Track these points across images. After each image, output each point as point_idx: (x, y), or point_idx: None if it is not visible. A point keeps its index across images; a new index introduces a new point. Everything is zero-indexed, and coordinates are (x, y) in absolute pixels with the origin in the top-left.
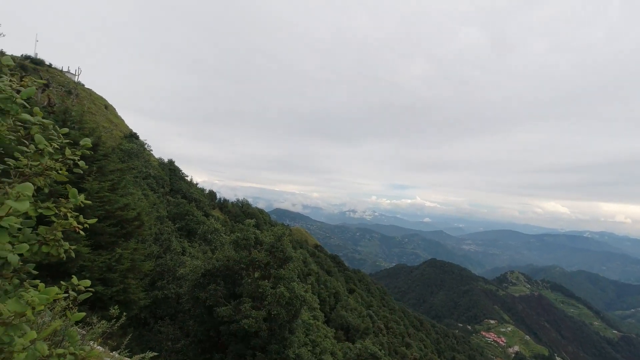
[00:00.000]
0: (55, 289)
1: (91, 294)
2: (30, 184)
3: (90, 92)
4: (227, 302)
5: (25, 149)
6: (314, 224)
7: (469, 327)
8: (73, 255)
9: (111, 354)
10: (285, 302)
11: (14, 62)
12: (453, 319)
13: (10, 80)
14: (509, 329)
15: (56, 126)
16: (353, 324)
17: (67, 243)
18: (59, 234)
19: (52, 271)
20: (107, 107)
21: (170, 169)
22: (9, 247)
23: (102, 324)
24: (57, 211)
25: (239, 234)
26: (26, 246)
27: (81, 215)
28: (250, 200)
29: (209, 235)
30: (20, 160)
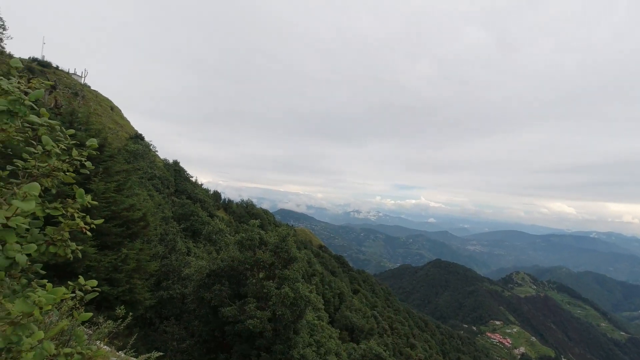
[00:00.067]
0: (63, 289)
1: (98, 294)
2: (37, 184)
3: (96, 94)
4: (232, 302)
5: (33, 150)
6: (318, 225)
7: (474, 328)
8: (80, 255)
9: (117, 353)
10: (290, 303)
11: (22, 64)
12: (458, 320)
13: (19, 82)
14: (515, 330)
15: (63, 127)
16: (357, 325)
17: (74, 243)
18: (66, 235)
19: (59, 271)
20: (113, 108)
21: (175, 170)
22: (18, 247)
23: (109, 324)
24: (64, 212)
25: (243, 235)
26: (34, 246)
27: (88, 216)
28: (254, 201)
29: (214, 236)
30: (28, 161)
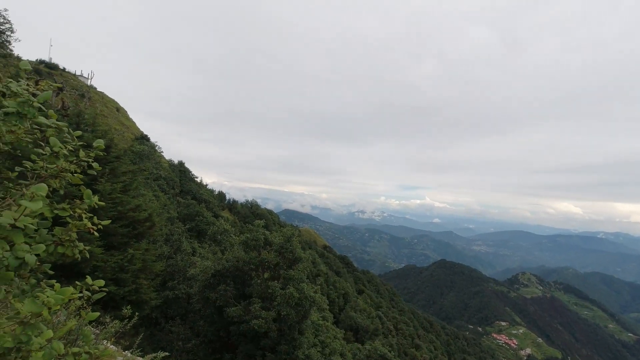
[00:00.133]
0: (71, 289)
1: (105, 294)
2: (45, 185)
3: (102, 95)
4: (237, 302)
5: (41, 151)
6: (322, 225)
7: (480, 329)
8: (87, 255)
9: (124, 353)
10: (295, 303)
11: (30, 67)
12: (463, 321)
13: (27, 85)
14: (521, 331)
15: (70, 129)
16: (362, 325)
17: (81, 244)
18: (74, 235)
19: (66, 271)
20: (119, 109)
21: (181, 171)
22: (27, 247)
23: (115, 324)
24: (72, 212)
25: (248, 235)
26: (43, 247)
27: (95, 217)
28: (259, 201)
29: (219, 236)
30: (36, 162)
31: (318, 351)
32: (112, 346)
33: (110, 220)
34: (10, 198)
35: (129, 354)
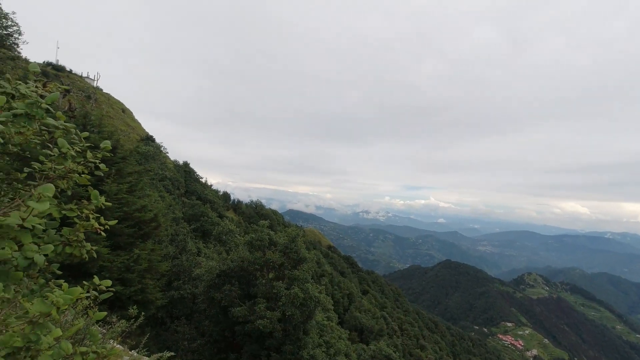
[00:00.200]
0: (79, 289)
1: (112, 294)
2: (52, 185)
3: (108, 97)
4: (242, 302)
5: (49, 152)
6: (327, 225)
7: (485, 329)
8: (95, 255)
9: (130, 352)
10: (300, 303)
11: (39, 69)
12: (469, 321)
13: (36, 86)
14: (527, 332)
15: (77, 130)
16: (367, 326)
17: (88, 244)
18: (82, 235)
19: (73, 271)
20: (125, 110)
21: (186, 171)
22: (35, 247)
23: (122, 323)
24: (79, 213)
25: (253, 235)
26: (51, 247)
27: (102, 217)
28: (263, 202)
29: (224, 236)
30: (45, 163)
31: (323, 351)
32: (118, 345)
33: (116, 221)
34: (19, 199)
35: (135, 354)
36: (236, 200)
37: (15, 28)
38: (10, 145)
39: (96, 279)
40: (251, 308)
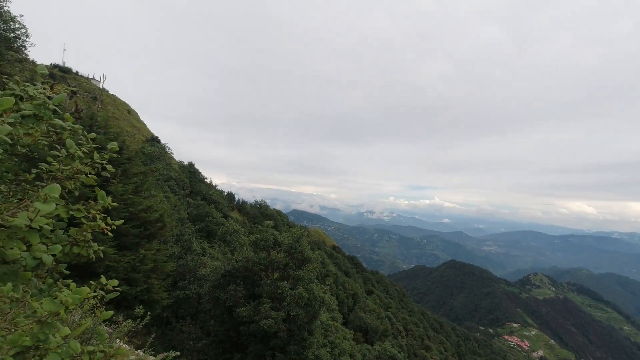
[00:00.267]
0: (87, 288)
1: (119, 293)
2: (57, 186)
3: (114, 98)
4: (247, 302)
5: (57, 153)
6: (331, 225)
7: (491, 330)
8: (102, 255)
9: (136, 352)
10: (304, 303)
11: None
12: (474, 322)
13: (43, 88)
14: (533, 332)
15: (85, 131)
16: (371, 326)
17: (95, 244)
18: (89, 235)
19: (80, 271)
20: (130, 111)
21: (190, 172)
22: (44, 247)
23: (128, 323)
24: (86, 213)
25: (257, 235)
26: (59, 247)
27: (109, 217)
28: (268, 202)
29: (229, 237)
30: (52, 164)
31: (327, 351)
32: (125, 345)
33: (123, 221)
34: (28, 199)
35: (142, 353)
36: (241, 201)
37: (22, 31)
38: (18, 147)
39: (103, 279)
40: (256, 308)
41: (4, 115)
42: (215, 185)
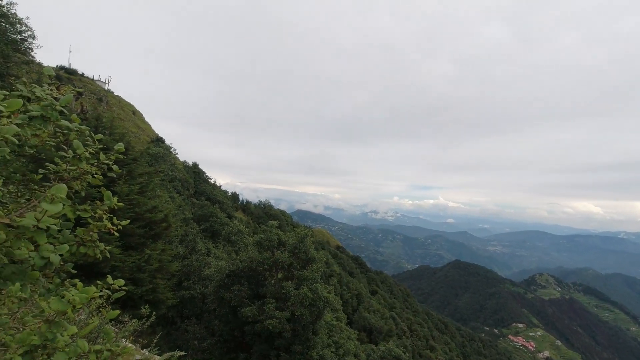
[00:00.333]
0: (93, 288)
1: (125, 293)
2: (64, 186)
3: (119, 99)
4: (251, 302)
5: (64, 154)
6: (335, 225)
7: (496, 330)
8: (108, 255)
9: (142, 351)
10: (309, 303)
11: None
12: (479, 322)
13: (50, 89)
14: (539, 333)
15: (91, 132)
16: (376, 326)
17: (102, 244)
18: (95, 235)
19: (86, 271)
20: (135, 112)
21: (195, 172)
22: (51, 247)
23: (134, 322)
24: (93, 213)
25: (262, 235)
26: (66, 247)
27: (115, 217)
28: (272, 202)
29: (233, 237)
30: (59, 165)
31: (332, 352)
32: (130, 344)
33: (129, 221)
34: (35, 199)
35: (147, 352)
36: (245, 201)
37: (29, 33)
38: (26, 148)
39: (109, 279)
40: (260, 308)
41: (12, 116)
42: (220, 186)
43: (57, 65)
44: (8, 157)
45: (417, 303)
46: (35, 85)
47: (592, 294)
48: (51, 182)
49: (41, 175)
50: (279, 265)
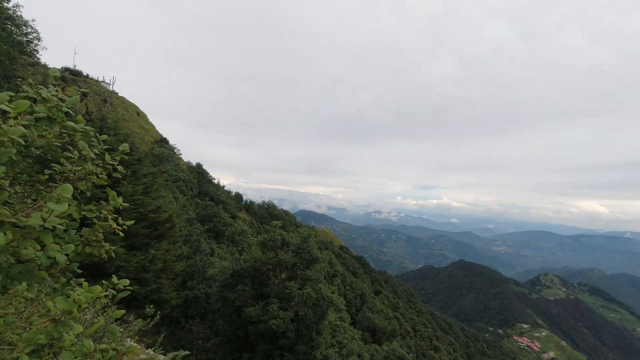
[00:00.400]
0: (99, 287)
1: (130, 292)
2: (70, 186)
3: (123, 100)
4: (255, 302)
5: (69, 155)
6: (339, 225)
7: (500, 331)
8: (113, 255)
9: (147, 351)
10: (312, 303)
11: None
12: (483, 323)
13: (56, 90)
14: (544, 333)
15: (96, 133)
16: (379, 326)
17: (107, 244)
18: (100, 235)
19: (91, 271)
20: (139, 113)
21: (199, 172)
22: (57, 247)
23: (138, 322)
24: (98, 214)
25: (265, 235)
26: (72, 247)
27: (120, 218)
28: (275, 202)
29: (237, 237)
30: (65, 165)
31: (336, 352)
32: (135, 344)
33: (133, 221)
34: (41, 200)
35: (152, 352)
36: (248, 201)
37: (34, 35)
38: (32, 148)
39: (114, 278)
40: (264, 308)
41: (19, 117)
42: (223, 186)
43: (62, 67)
44: (15, 158)
45: (421, 303)
46: (41, 86)
47: (597, 294)
48: (57, 183)
49: (47, 176)
50: (282, 265)
